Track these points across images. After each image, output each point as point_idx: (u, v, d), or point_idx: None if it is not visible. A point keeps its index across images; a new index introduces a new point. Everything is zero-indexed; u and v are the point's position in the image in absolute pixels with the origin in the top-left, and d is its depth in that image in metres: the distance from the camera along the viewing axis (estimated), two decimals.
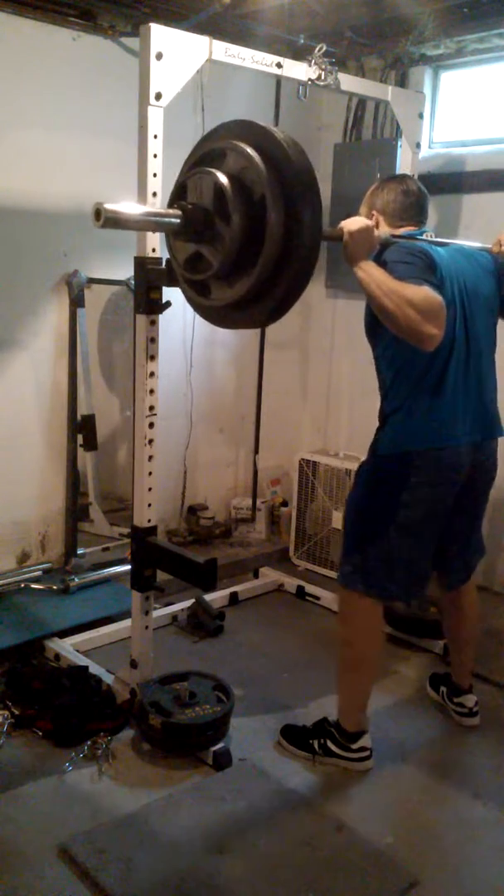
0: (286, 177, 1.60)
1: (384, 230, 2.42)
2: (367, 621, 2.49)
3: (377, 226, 2.43)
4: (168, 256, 2.37)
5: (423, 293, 2.04)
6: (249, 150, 1.63)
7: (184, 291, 2.10)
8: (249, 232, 1.62)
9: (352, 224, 2.15)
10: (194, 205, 1.71)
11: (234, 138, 1.68)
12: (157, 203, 2.40)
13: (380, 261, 2.20)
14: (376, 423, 2.47)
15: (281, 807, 2.35)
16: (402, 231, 2.42)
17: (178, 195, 1.77)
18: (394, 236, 2.34)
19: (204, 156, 1.73)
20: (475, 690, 2.85)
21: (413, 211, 2.46)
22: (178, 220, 1.73)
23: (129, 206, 1.84)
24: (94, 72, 3.40)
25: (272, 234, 1.60)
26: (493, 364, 2.48)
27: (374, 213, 2.47)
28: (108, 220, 1.66)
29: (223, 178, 1.63)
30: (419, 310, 2.02)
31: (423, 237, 2.38)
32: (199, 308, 1.92)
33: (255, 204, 1.61)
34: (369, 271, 2.12)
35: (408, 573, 2.46)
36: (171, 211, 1.77)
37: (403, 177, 2.54)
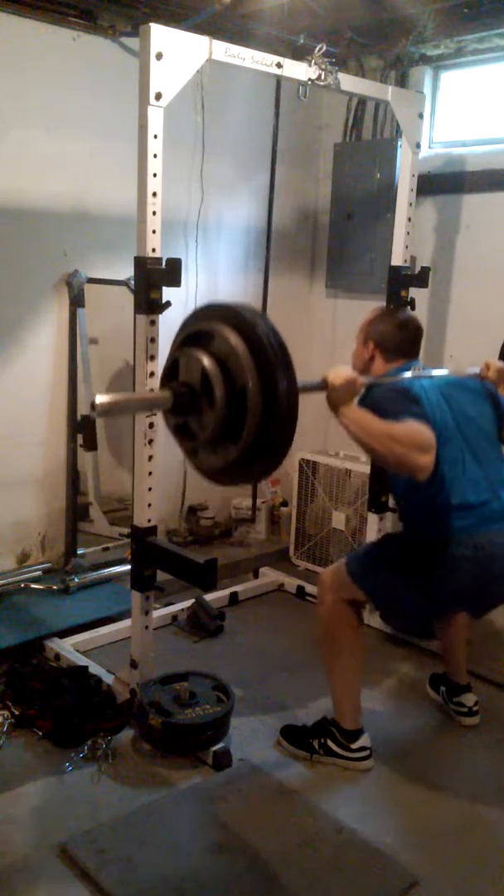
0: (265, 359, 1.78)
1: (378, 363, 2.51)
2: (348, 620, 2.51)
3: (373, 358, 2.52)
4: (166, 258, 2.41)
5: (407, 427, 2.13)
6: (233, 338, 1.80)
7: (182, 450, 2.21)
8: (232, 407, 1.79)
9: (335, 378, 2.22)
10: (183, 384, 1.87)
11: (220, 322, 1.85)
12: (157, 203, 2.41)
13: (365, 400, 2.29)
14: None
15: (281, 807, 2.36)
16: (393, 366, 2.49)
17: (171, 372, 1.94)
18: (379, 375, 2.44)
19: (192, 335, 1.91)
20: (475, 690, 2.85)
21: (407, 346, 2.53)
22: (169, 403, 1.90)
23: (124, 395, 1.93)
24: (94, 72, 3.40)
25: (253, 409, 1.76)
26: None
27: (371, 343, 2.53)
28: (102, 412, 1.81)
29: (208, 362, 1.80)
30: (404, 443, 2.10)
31: (413, 370, 2.45)
32: (194, 468, 2.07)
33: (237, 384, 1.78)
34: (350, 416, 2.19)
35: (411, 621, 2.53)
36: (161, 394, 1.93)
37: (399, 310, 2.61)
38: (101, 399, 1.79)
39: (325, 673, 2.58)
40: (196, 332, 1.89)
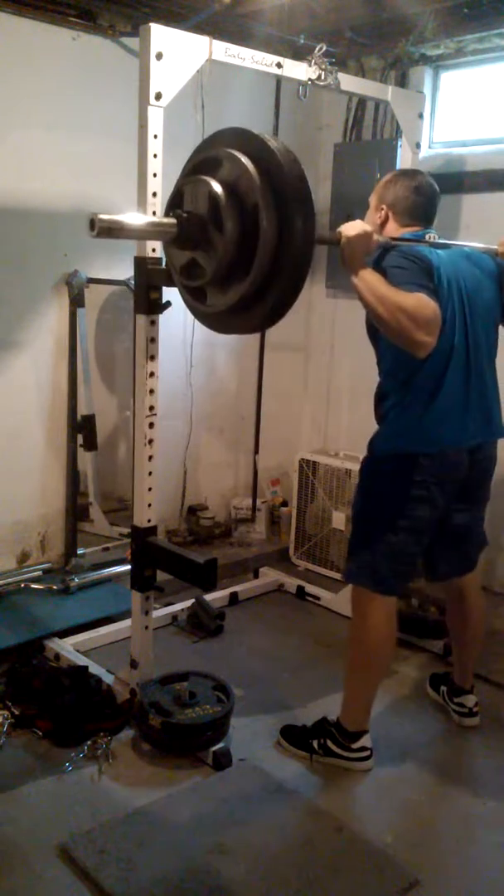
0: (279, 185, 1.61)
1: (390, 227, 2.42)
2: (379, 619, 2.47)
3: (386, 221, 2.43)
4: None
5: (417, 300, 2.05)
6: (244, 158, 1.65)
7: (182, 297, 2.11)
8: (243, 239, 1.65)
9: (349, 230, 2.15)
10: (189, 213, 1.73)
11: (229, 147, 1.69)
12: (157, 203, 2.40)
13: (379, 264, 2.20)
14: (376, 423, 2.48)
15: (281, 807, 2.35)
16: (406, 231, 2.42)
17: (175, 202, 1.79)
18: (395, 238, 2.33)
19: (200, 163, 1.75)
20: (475, 690, 2.85)
21: (422, 211, 2.43)
22: (174, 229, 1.75)
23: (125, 217, 1.85)
24: (94, 72, 3.40)
25: (265, 241, 1.62)
26: (493, 367, 2.47)
27: (384, 207, 2.45)
28: (103, 230, 1.68)
29: (217, 187, 1.65)
30: (411, 317, 2.04)
31: (427, 238, 2.37)
32: (196, 314, 1.95)
33: (249, 212, 1.63)
34: (364, 277, 2.13)
35: (407, 568, 2.48)
36: (166, 220, 1.78)
37: (416, 173, 2.50)
38: (102, 216, 1.69)
39: (346, 670, 2.55)
40: (204, 159, 1.77)
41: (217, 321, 1.87)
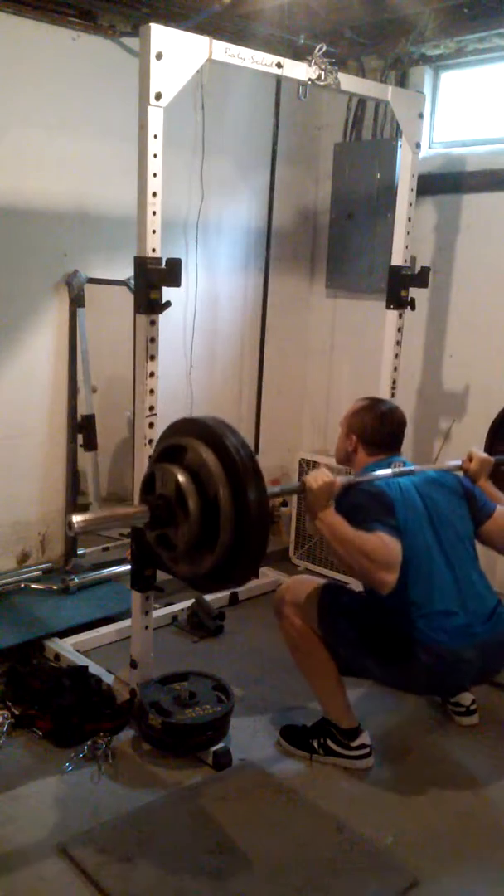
0: (234, 471, 1.86)
1: (360, 455, 2.58)
2: (306, 635, 2.52)
3: (355, 449, 2.59)
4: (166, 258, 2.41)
5: (376, 543, 2.18)
6: (204, 450, 1.89)
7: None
8: (206, 517, 1.87)
9: (313, 482, 2.28)
10: (159, 497, 1.94)
11: (191, 437, 1.95)
12: (157, 203, 2.41)
13: (341, 501, 2.33)
14: None
15: (281, 807, 2.35)
16: (373, 460, 2.55)
17: (147, 485, 2.02)
18: (358, 475, 2.47)
19: (168, 449, 2.00)
20: (473, 690, 2.85)
21: (387, 439, 2.58)
22: (147, 515, 1.96)
23: (101, 512, 1.97)
24: (94, 72, 3.40)
25: (225, 517, 1.84)
26: (483, 577, 2.51)
27: (354, 436, 2.59)
28: (80, 531, 1.86)
29: (182, 476, 1.89)
30: (371, 559, 2.17)
31: (393, 466, 2.48)
32: (177, 577, 2.15)
33: (210, 495, 1.86)
34: (327, 521, 2.27)
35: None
36: (139, 508, 1.99)
37: (381, 403, 2.64)
38: (77, 519, 1.84)
39: (306, 680, 2.59)
40: (171, 446, 1.99)
41: (198, 584, 2.09)
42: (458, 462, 2.67)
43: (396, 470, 2.46)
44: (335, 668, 2.53)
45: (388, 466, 2.48)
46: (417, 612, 2.33)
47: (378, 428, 2.56)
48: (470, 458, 2.64)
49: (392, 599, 2.26)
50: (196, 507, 1.86)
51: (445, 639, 2.32)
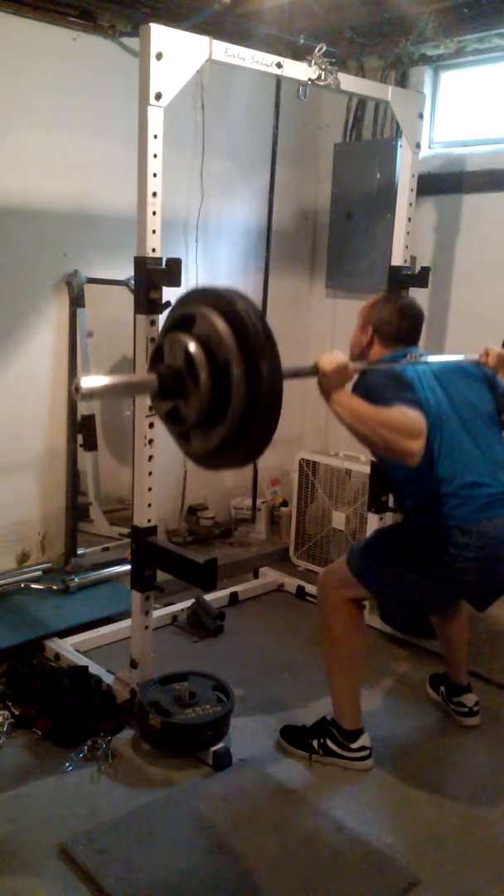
0: (247, 338, 1.77)
1: (375, 348, 2.49)
2: (351, 619, 2.50)
3: (371, 342, 2.49)
4: (166, 258, 2.40)
5: (397, 412, 2.10)
6: (216, 317, 1.81)
7: (172, 437, 2.21)
8: (217, 389, 1.80)
9: (326, 364, 2.20)
10: (168, 367, 1.88)
11: (203, 305, 1.86)
12: (157, 203, 2.41)
13: (358, 386, 2.27)
14: None
15: (281, 807, 2.35)
16: (390, 352, 2.47)
17: (157, 356, 1.95)
18: (373, 362, 2.40)
19: (177, 320, 1.92)
20: (475, 690, 2.85)
21: (406, 334, 2.50)
22: (155, 385, 1.90)
23: (108, 378, 1.94)
24: (94, 72, 3.40)
25: (237, 389, 1.78)
26: None
27: (370, 328, 2.50)
28: (86, 396, 1.79)
29: (192, 345, 1.81)
30: (393, 429, 2.07)
31: (409, 356, 2.43)
32: (186, 454, 2.09)
33: (221, 365, 1.79)
34: (341, 401, 2.18)
35: (419, 612, 2.53)
36: (147, 377, 1.93)
37: (401, 297, 2.56)
38: (85, 382, 1.75)
39: (326, 673, 2.58)
40: (180, 316, 1.89)
41: (205, 461, 2.03)
42: (475, 357, 2.57)
43: (414, 359, 2.39)
44: (360, 663, 2.53)
45: (404, 357, 2.41)
46: (447, 488, 2.28)
47: (396, 320, 2.48)
48: (487, 354, 2.54)
49: (419, 482, 2.22)
50: (206, 377, 1.77)
51: (477, 515, 2.27)
